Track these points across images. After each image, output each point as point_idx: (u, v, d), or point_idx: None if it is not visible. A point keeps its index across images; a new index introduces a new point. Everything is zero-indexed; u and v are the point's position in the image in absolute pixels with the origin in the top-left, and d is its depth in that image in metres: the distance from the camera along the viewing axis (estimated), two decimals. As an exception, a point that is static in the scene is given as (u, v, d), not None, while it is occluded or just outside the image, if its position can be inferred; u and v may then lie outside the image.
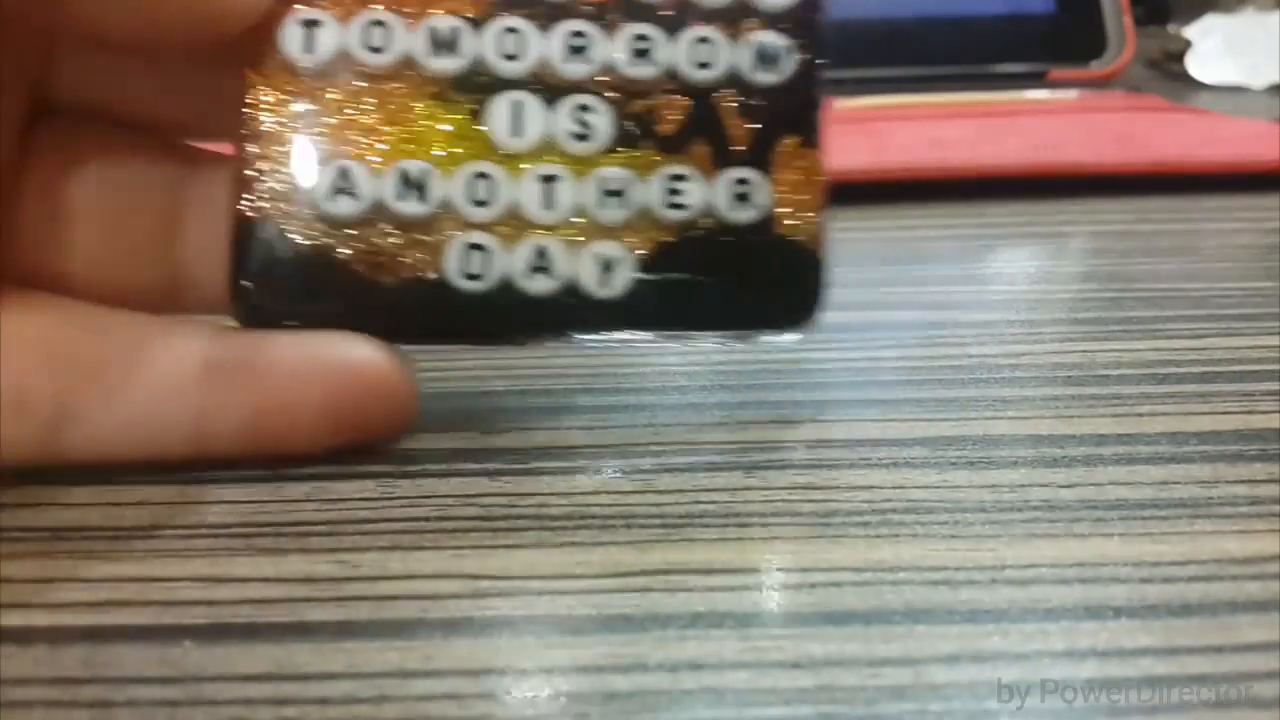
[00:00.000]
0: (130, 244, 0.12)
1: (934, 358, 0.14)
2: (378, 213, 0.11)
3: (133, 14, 0.11)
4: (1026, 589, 0.09)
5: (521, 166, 0.11)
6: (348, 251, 0.11)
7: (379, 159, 0.11)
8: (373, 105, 0.11)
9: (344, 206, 0.11)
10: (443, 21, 0.11)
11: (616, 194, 0.11)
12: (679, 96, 0.12)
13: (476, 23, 0.11)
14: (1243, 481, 0.11)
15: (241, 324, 0.11)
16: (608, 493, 0.11)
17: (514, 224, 0.11)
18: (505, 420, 0.13)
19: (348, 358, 0.11)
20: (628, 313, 0.12)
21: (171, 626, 0.09)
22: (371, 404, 0.11)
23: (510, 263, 0.11)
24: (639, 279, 0.12)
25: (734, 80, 0.12)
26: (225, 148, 0.12)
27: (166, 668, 0.09)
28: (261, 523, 0.11)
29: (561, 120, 0.11)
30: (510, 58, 0.11)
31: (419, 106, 0.11)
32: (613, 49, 0.11)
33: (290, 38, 0.11)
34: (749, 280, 0.12)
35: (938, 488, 0.11)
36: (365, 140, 0.11)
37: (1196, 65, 0.40)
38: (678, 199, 0.11)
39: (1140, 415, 0.13)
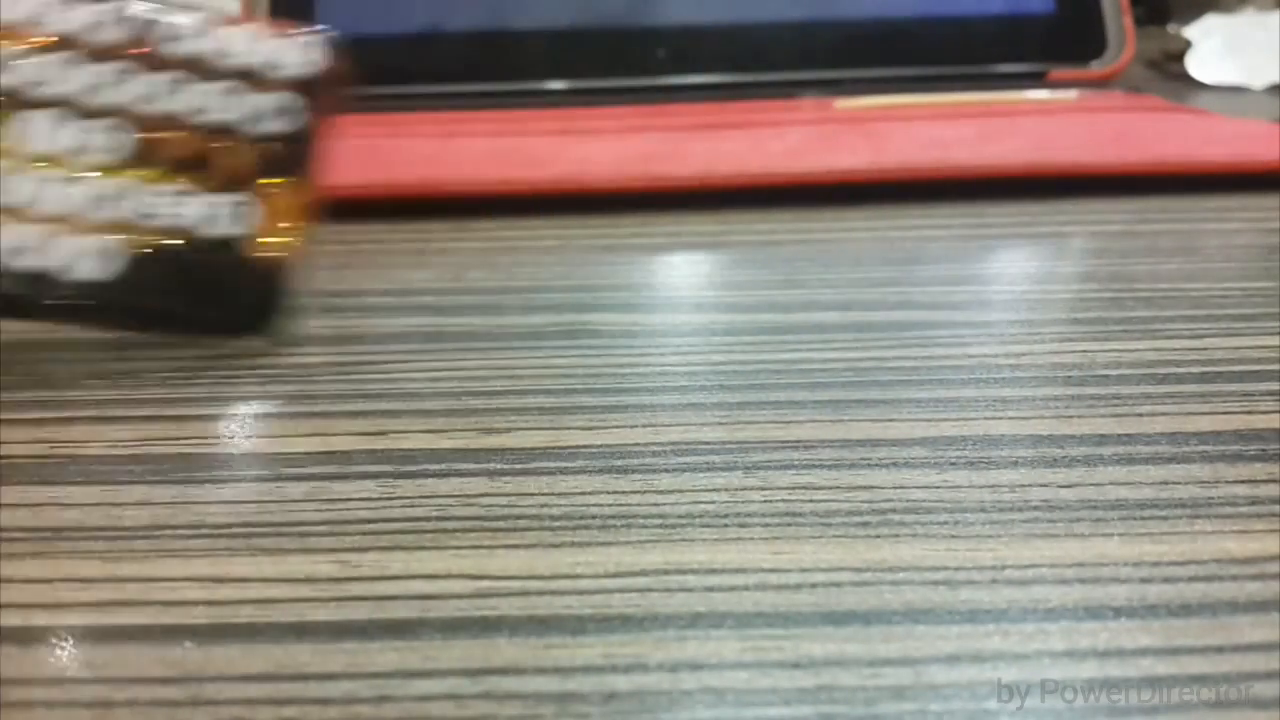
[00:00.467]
0: None
1: (934, 358, 0.14)
2: None
3: None
4: (1026, 589, 0.09)
5: (36, 167, 0.14)
6: None
7: None
8: None
9: None
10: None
11: (113, 199, 0.14)
12: (201, 131, 0.14)
13: (31, 52, 0.14)
14: (1243, 481, 0.11)
15: None
16: (608, 493, 0.11)
17: (11, 213, 0.14)
18: (505, 420, 0.13)
19: None
20: (104, 306, 0.14)
21: (172, 626, 0.09)
22: None
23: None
24: (118, 277, 0.14)
25: (245, 123, 0.14)
26: None
27: (167, 668, 0.09)
28: (262, 523, 0.11)
29: (84, 136, 0.14)
30: (45, 84, 0.14)
31: None
32: (147, 87, 0.14)
33: None
34: (216, 291, 0.14)
35: (938, 488, 0.11)
36: None
37: (1196, 65, 0.40)
38: (168, 212, 0.14)
39: (1140, 415, 0.13)
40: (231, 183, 0.14)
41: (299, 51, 0.15)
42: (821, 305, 0.17)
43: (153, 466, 0.12)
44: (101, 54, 0.14)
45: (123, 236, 0.14)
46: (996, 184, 0.23)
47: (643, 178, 0.23)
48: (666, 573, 0.10)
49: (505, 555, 0.10)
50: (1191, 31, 0.41)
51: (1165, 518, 0.10)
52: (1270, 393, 0.13)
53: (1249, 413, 0.13)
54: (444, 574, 0.10)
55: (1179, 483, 0.11)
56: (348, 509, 0.11)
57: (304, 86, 0.15)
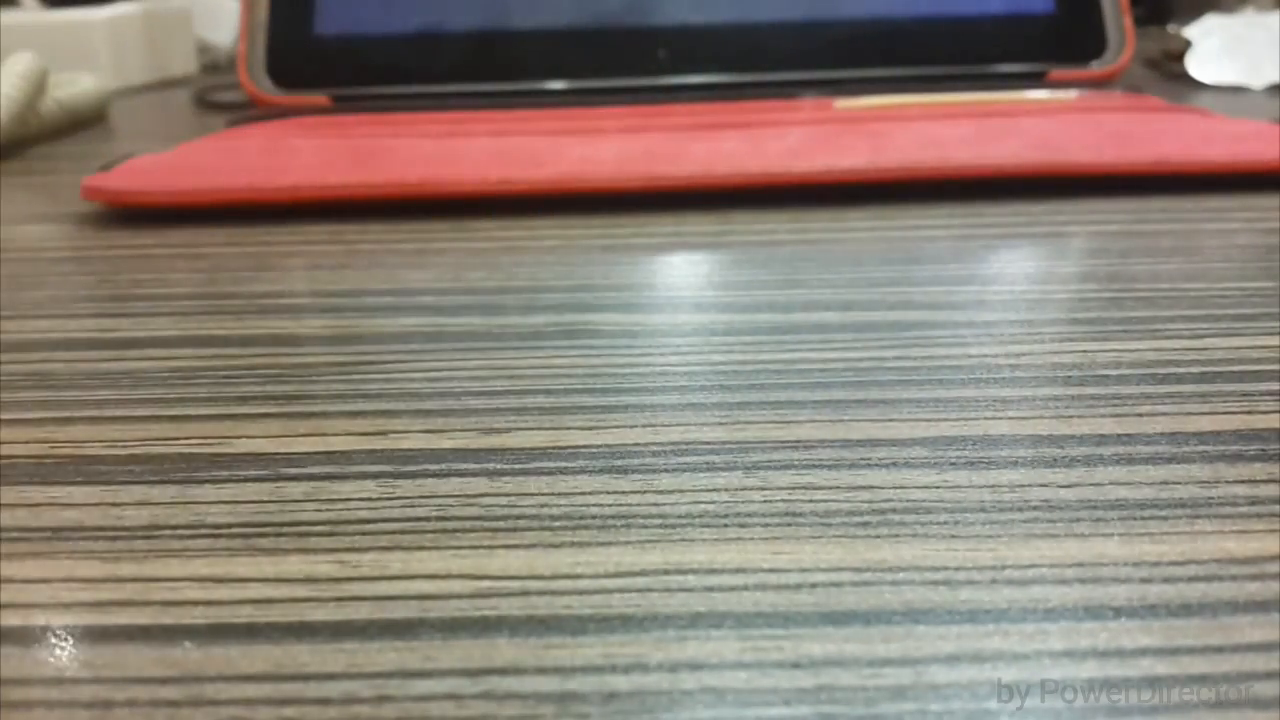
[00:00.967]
0: None
1: (934, 358, 0.14)
2: None
3: None
4: (1026, 589, 0.09)
5: None
6: None
7: None
8: None
9: None
10: None
11: None
12: None
13: None
14: (1243, 481, 0.11)
15: None
16: (607, 493, 0.11)
17: None
18: (505, 420, 0.13)
19: None
20: None
21: (171, 626, 0.09)
22: None
23: None
24: None
25: None
26: None
27: (166, 668, 0.09)
28: (261, 523, 0.11)
29: None
30: None
31: None
32: None
33: None
34: None
35: (937, 488, 0.11)
36: None
37: (1196, 65, 0.40)
38: None
39: (1140, 415, 0.13)
40: None
41: None
42: (821, 305, 0.17)
43: (152, 466, 0.12)
44: None
45: None
46: (996, 184, 0.23)
47: (643, 177, 0.23)
48: (666, 573, 0.10)
49: (505, 555, 0.10)
50: (1191, 31, 0.41)
51: (1165, 518, 0.10)
52: (1270, 393, 0.13)
53: (1249, 413, 0.13)
54: (444, 574, 0.10)
55: (1179, 483, 0.11)
56: (347, 509, 0.11)
57: None
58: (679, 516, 0.11)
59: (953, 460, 0.12)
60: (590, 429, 0.12)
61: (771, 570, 0.10)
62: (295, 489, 0.11)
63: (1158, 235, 0.20)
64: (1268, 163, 0.23)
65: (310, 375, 0.14)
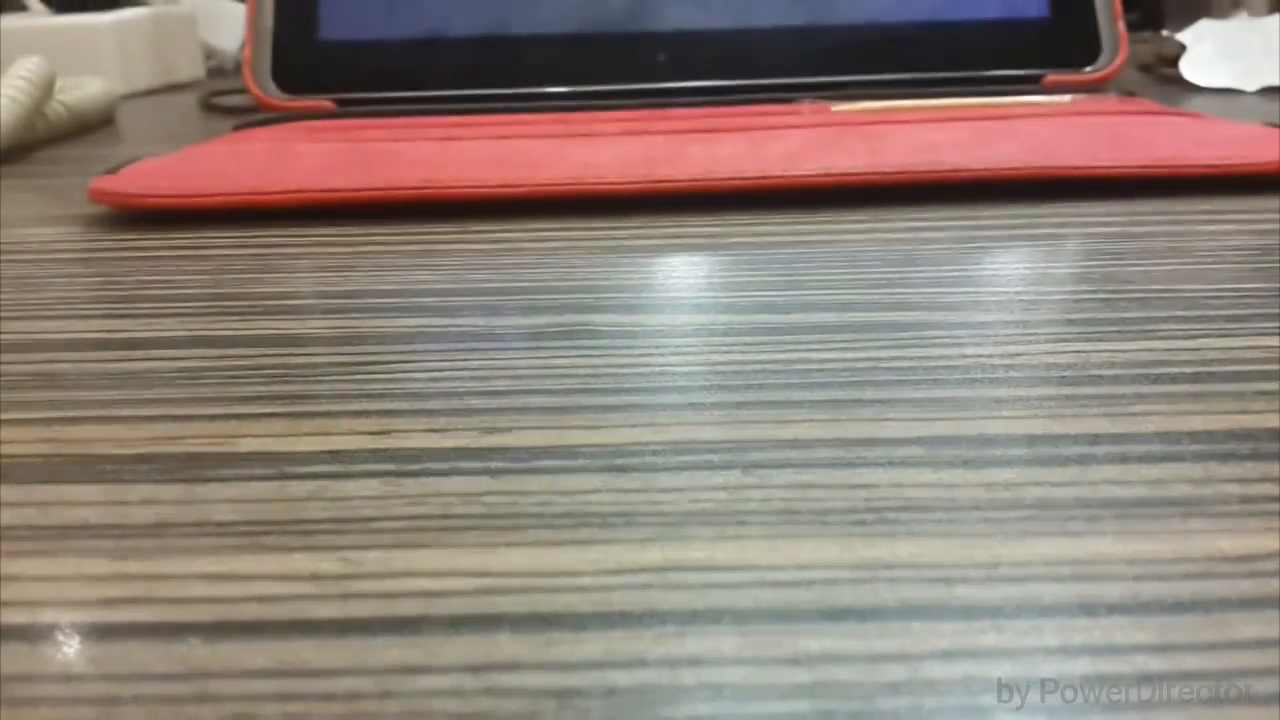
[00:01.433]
0: None
1: (930, 358, 0.14)
2: None
3: None
4: (1021, 586, 0.09)
5: None
6: None
7: None
8: None
9: None
10: None
11: None
12: None
13: None
14: (1236, 480, 0.11)
15: None
16: (608, 491, 0.11)
17: None
18: (507, 420, 0.13)
19: None
20: None
21: (177, 623, 0.09)
22: None
23: None
24: None
25: None
26: None
27: (172, 664, 0.09)
28: (266, 520, 0.11)
29: None
30: None
31: None
32: None
33: None
34: None
35: (933, 486, 0.11)
36: None
37: (1190, 69, 0.40)
38: None
39: (1134, 415, 0.13)
40: None
41: None
42: (819, 306, 0.17)
43: (158, 465, 0.12)
44: None
45: None
46: (992, 186, 0.23)
47: (643, 180, 0.23)
48: (666, 570, 0.10)
49: (507, 553, 0.10)
50: (1185, 36, 0.41)
51: (1159, 516, 0.11)
52: (1263, 393, 0.13)
53: (1242, 412, 0.13)
54: (447, 571, 0.10)
55: (1172, 481, 0.11)
56: (351, 507, 0.11)
57: None
58: (679, 514, 0.11)
59: (949, 459, 0.12)
60: (591, 428, 0.13)
61: (770, 567, 0.10)
62: (300, 488, 0.11)
63: (1151, 237, 0.20)
64: (1261, 165, 0.23)
65: (315, 375, 0.14)
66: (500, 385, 0.14)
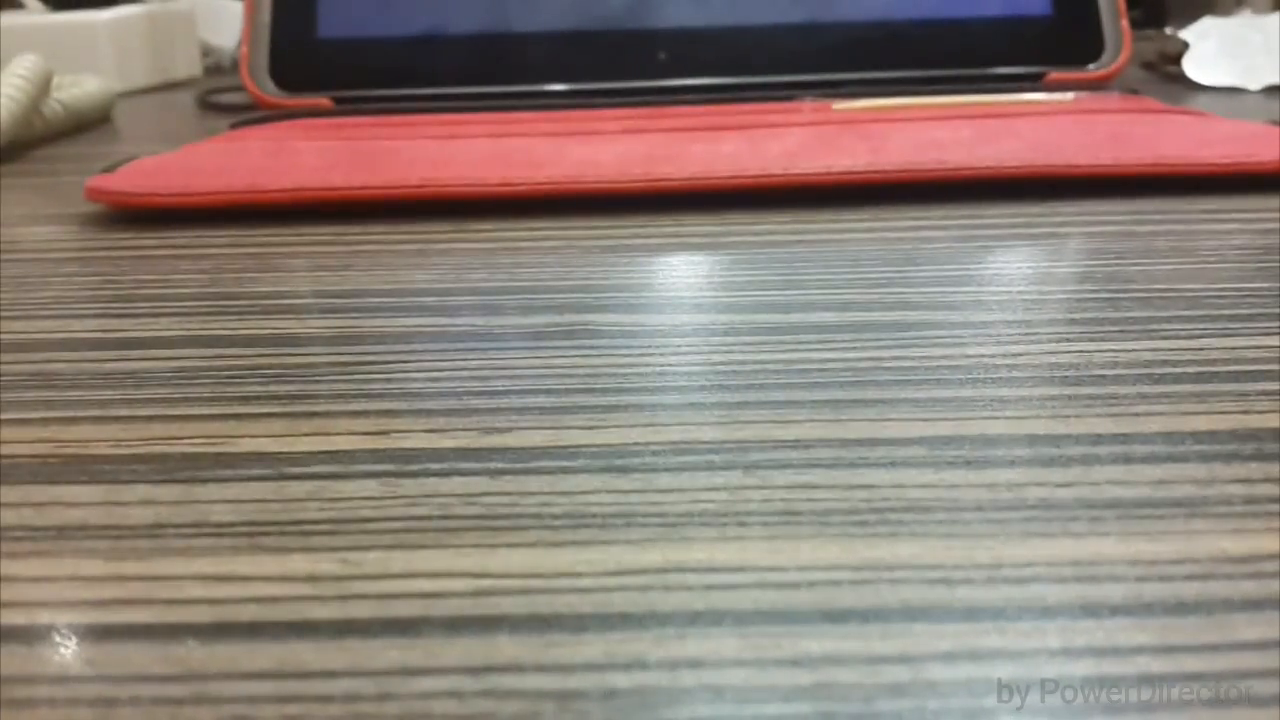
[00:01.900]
0: None
1: (931, 358, 0.14)
2: None
3: None
4: (1023, 587, 0.09)
5: None
6: None
7: None
8: None
9: None
10: None
11: None
12: None
13: None
14: (1239, 481, 0.11)
15: None
16: (608, 491, 0.11)
17: None
18: (506, 420, 0.13)
19: None
20: None
21: (175, 625, 0.09)
22: None
23: None
24: None
25: None
26: None
27: (170, 665, 0.09)
28: (264, 521, 0.11)
29: None
30: None
31: None
32: None
33: None
34: None
35: (935, 487, 0.11)
36: None
37: (1193, 67, 0.40)
38: None
39: (1136, 415, 0.13)
40: None
41: None
42: (820, 305, 0.17)
43: (156, 466, 0.12)
44: None
45: None
46: (994, 185, 0.23)
47: (643, 179, 0.23)
48: (666, 571, 0.10)
49: (507, 554, 0.10)
50: (1188, 34, 0.41)
51: (1161, 517, 0.11)
52: (1266, 393, 0.13)
53: (1245, 412, 0.13)
54: (446, 572, 0.10)
55: (1175, 482, 0.11)
56: (350, 508, 0.11)
57: None
58: (679, 515, 0.11)
59: (950, 459, 0.12)
60: (591, 428, 0.13)
61: (770, 568, 0.10)
62: (298, 488, 0.11)
63: (1154, 236, 0.20)
64: (1264, 164, 0.23)
65: (313, 375, 0.14)
66: (499, 385, 0.14)
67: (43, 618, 0.09)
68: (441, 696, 0.08)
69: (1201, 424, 0.12)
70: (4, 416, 0.13)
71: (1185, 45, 0.40)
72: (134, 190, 0.23)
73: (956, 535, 0.10)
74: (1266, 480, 0.11)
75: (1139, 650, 0.09)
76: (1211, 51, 0.40)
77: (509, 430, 0.13)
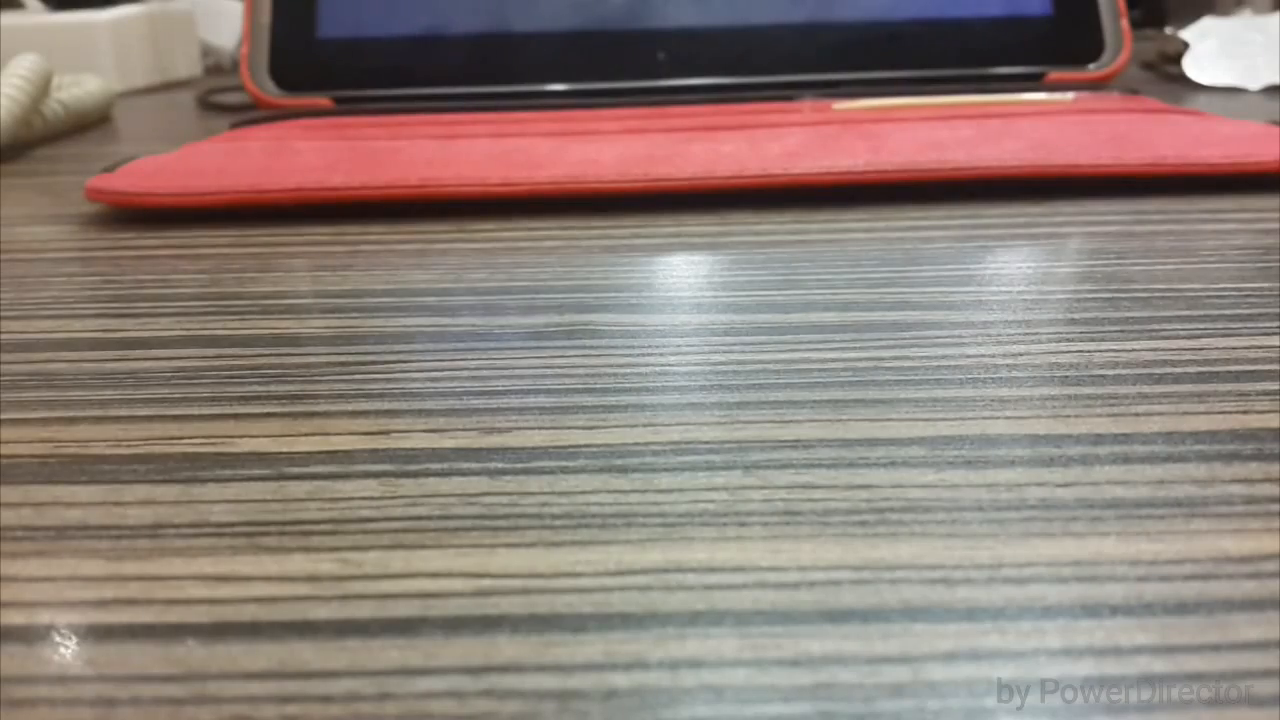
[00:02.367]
0: None
1: (932, 358, 0.14)
2: None
3: None
4: (1024, 587, 0.09)
5: None
6: None
7: None
8: None
9: None
10: None
11: None
12: None
13: None
14: (1239, 481, 0.11)
15: None
16: (608, 491, 0.11)
17: None
18: (506, 420, 0.13)
19: None
20: None
21: (175, 625, 0.09)
22: None
23: None
24: None
25: None
26: None
27: (170, 665, 0.09)
28: (264, 521, 0.11)
29: None
30: None
31: None
32: None
33: None
34: None
35: (935, 487, 0.11)
36: None
37: (1193, 67, 0.40)
38: None
39: (1137, 415, 0.13)
40: None
41: None
42: (820, 305, 0.17)
43: (156, 465, 0.12)
44: None
45: None
46: (994, 185, 0.23)
47: (643, 179, 0.23)
48: (666, 571, 0.10)
49: (506, 554, 0.10)
50: (1188, 34, 0.41)
51: (1162, 517, 0.11)
52: (1266, 393, 0.13)
53: (1245, 412, 0.13)
54: (446, 572, 0.10)
55: (1175, 482, 0.11)
56: (350, 508, 0.11)
57: None
58: (679, 515, 0.11)
59: (950, 459, 0.12)
60: (591, 428, 0.13)
61: (770, 569, 0.10)
62: (298, 488, 0.11)
63: (1154, 236, 0.20)
64: (1264, 164, 0.23)
65: (313, 375, 0.14)
66: (499, 385, 0.14)
67: (43, 618, 0.09)
68: (441, 696, 0.08)
69: (1201, 424, 0.12)
70: (4, 416, 0.13)
71: (1185, 45, 0.40)
72: (134, 190, 0.23)
73: (956, 535, 0.10)
74: (1266, 480, 0.11)
75: (1139, 650, 0.09)
76: (1211, 51, 0.40)
77: (509, 430, 0.13)
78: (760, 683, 0.08)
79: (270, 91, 0.36)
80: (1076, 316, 0.16)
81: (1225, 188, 0.23)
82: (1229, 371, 0.14)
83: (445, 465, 0.12)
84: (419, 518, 0.11)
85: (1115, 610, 0.09)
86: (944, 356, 0.14)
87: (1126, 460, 0.12)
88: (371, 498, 0.11)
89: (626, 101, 0.33)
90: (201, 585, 0.10)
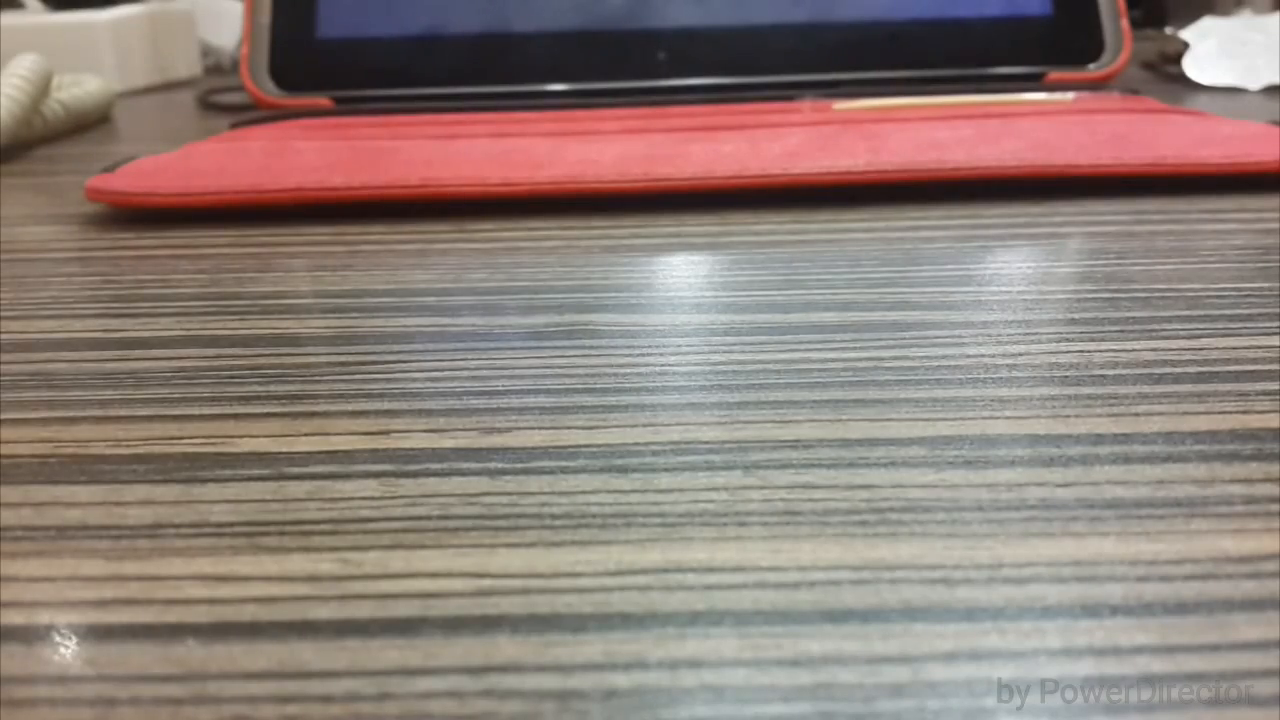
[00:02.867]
0: None
1: (931, 358, 0.14)
2: None
3: None
4: (1023, 587, 0.09)
5: None
6: None
7: None
8: None
9: None
10: None
11: None
12: None
13: None
14: (1239, 481, 0.11)
15: None
16: (608, 491, 0.11)
17: None
18: (506, 420, 0.13)
19: None
20: None
21: (175, 625, 0.09)
22: None
23: None
24: None
25: None
26: None
27: (170, 665, 0.09)
28: (264, 521, 0.11)
29: None
30: None
31: None
32: None
33: None
34: None
35: (935, 487, 0.11)
36: None
37: (1193, 67, 0.40)
38: None
39: (1137, 415, 0.13)
40: None
41: None
42: (820, 305, 0.17)
43: (155, 465, 0.12)
44: None
45: None
46: (994, 185, 0.23)
47: (643, 179, 0.23)
48: (666, 571, 0.10)
49: (506, 554, 0.10)
50: (1188, 34, 0.41)
51: (1162, 517, 0.11)
52: (1266, 393, 0.13)
53: (1245, 412, 0.13)
54: (445, 572, 0.10)
55: (1175, 482, 0.11)
56: (350, 508, 0.11)
57: None
58: (679, 515, 0.11)
59: (950, 459, 0.12)
60: (590, 428, 0.13)
61: (770, 569, 0.10)
62: (298, 488, 0.11)
63: (1154, 236, 0.20)
64: (1264, 164, 0.23)
65: (313, 375, 0.14)
66: (499, 385, 0.14)
67: (43, 618, 0.09)
68: (441, 696, 0.08)
69: (1202, 424, 0.12)
70: (4, 416, 0.13)
71: (1185, 45, 0.41)
72: (134, 190, 0.23)
73: (956, 535, 0.10)
74: (1266, 480, 0.11)
75: (1139, 650, 0.09)
76: (1211, 51, 0.40)
77: (509, 430, 0.13)
78: (760, 683, 0.08)
79: (270, 91, 0.36)
80: (1076, 316, 0.16)
81: (1225, 188, 0.23)
82: (1229, 371, 0.14)
83: (445, 465, 0.12)
84: (419, 518, 0.11)
85: (1115, 610, 0.09)
86: (944, 356, 0.14)
87: (1126, 460, 0.12)
88: (371, 498, 0.11)
89: (626, 101, 0.33)
90: (201, 585, 0.10)
